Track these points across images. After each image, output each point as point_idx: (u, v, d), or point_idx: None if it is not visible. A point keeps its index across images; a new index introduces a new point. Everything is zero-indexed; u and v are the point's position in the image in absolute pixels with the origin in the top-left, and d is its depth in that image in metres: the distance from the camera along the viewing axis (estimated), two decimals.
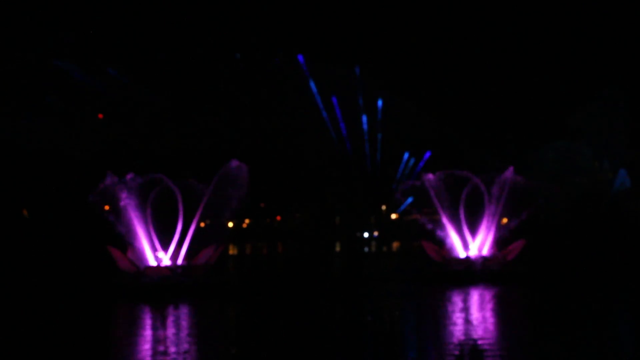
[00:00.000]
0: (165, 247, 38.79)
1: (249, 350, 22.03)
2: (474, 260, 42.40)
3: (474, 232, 43.99)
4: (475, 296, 34.90)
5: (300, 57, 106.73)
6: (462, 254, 43.52)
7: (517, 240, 43.38)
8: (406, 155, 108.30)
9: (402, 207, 77.08)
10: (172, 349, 22.02)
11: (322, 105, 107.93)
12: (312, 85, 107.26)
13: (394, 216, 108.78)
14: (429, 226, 44.12)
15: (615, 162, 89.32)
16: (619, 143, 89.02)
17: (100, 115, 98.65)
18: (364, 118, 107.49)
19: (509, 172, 43.79)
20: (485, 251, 43.43)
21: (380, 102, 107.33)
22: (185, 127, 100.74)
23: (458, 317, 27.96)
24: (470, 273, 41.36)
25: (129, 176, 38.31)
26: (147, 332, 25.64)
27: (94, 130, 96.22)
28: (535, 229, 75.98)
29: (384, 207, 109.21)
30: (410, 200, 47.28)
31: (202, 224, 40.28)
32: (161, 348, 22.25)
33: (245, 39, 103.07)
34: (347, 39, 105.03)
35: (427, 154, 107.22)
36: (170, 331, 25.52)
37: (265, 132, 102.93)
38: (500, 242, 43.77)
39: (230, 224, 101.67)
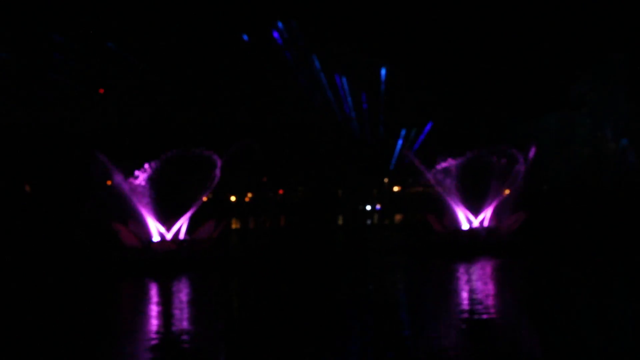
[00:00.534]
0: (162, 222, 38.90)
1: (251, 326, 22.11)
2: (479, 232, 42.48)
3: (477, 204, 44.04)
4: (480, 268, 34.96)
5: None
6: (465, 225, 43.59)
7: (518, 212, 43.49)
8: (403, 132, 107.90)
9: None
10: (178, 326, 22.14)
11: (325, 80, 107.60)
12: (315, 60, 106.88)
13: (396, 188, 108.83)
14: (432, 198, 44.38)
15: (617, 131, 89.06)
16: (621, 113, 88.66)
17: (101, 90, 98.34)
18: (363, 96, 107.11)
19: (532, 153, 43.62)
20: (485, 223, 43.49)
21: (383, 72, 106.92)
22: (186, 101, 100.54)
23: (463, 290, 28.02)
24: (475, 245, 41.43)
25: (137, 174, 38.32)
26: (154, 309, 25.75)
27: (95, 105, 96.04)
28: (538, 200, 75.98)
29: (386, 180, 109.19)
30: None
31: (205, 199, 40.42)
32: (167, 324, 22.37)
33: (246, 15, 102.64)
34: (343, 13, 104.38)
35: (429, 125, 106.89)
36: (175, 307, 25.63)
37: (267, 106, 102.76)
38: (500, 214, 43.90)
39: (233, 198, 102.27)
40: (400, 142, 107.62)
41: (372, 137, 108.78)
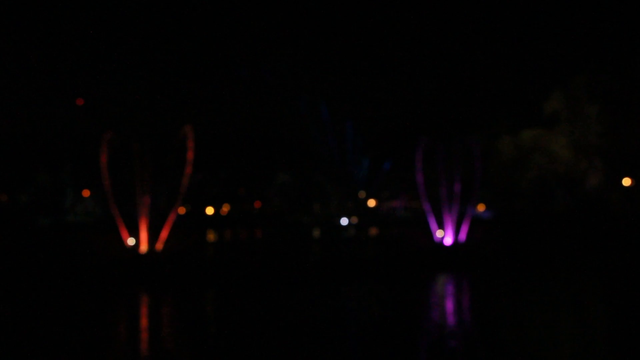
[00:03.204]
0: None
1: (228, 340, 22.37)
2: (459, 246, 42.98)
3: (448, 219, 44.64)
4: (456, 283, 35.38)
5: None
6: (438, 239, 44.10)
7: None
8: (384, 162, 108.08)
9: None
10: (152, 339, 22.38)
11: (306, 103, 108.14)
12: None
13: (372, 203, 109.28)
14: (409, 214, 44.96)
15: (589, 150, 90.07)
16: (593, 131, 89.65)
17: (80, 102, 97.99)
18: (349, 126, 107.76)
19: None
20: (459, 238, 44.09)
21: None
22: (166, 110, 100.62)
23: (443, 306, 28.43)
24: (457, 258, 41.88)
25: None
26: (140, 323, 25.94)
27: (73, 114, 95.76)
28: (512, 217, 76.60)
29: (362, 194, 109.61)
30: None
31: (182, 211, 40.69)
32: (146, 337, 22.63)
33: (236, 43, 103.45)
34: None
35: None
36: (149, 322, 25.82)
37: (247, 119, 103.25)
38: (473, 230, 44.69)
39: (210, 210, 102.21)
40: (379, 173, 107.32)
41: (351, 156, 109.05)
